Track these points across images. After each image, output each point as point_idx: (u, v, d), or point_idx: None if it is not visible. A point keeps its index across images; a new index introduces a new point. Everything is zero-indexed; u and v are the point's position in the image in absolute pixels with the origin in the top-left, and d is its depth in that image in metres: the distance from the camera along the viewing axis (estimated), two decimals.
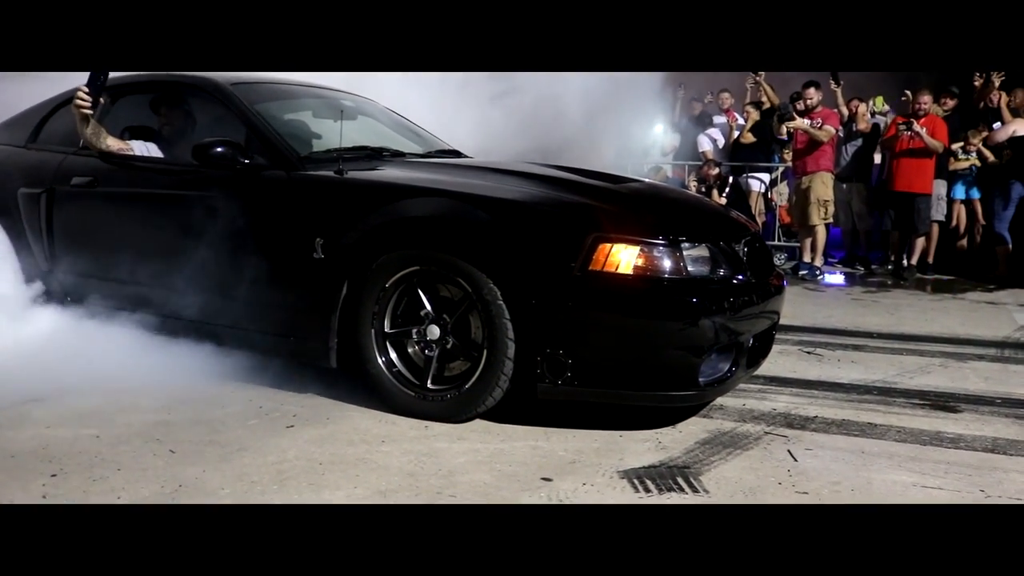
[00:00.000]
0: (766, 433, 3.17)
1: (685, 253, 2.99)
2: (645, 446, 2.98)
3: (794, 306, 5.67)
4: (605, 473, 2.72)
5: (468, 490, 2.56)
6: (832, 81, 8.44)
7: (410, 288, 3.19)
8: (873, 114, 8.83)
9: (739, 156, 9.40)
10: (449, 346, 3.15)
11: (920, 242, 8.05)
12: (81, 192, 3.99)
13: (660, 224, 3.07)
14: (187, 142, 3.81)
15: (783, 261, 8.70)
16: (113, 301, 3.87)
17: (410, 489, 2.56)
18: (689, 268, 2.97)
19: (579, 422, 3.16)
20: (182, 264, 3.62)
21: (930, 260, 8.20)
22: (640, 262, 2.90)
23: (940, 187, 8.11)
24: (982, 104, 8.33)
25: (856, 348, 4.76)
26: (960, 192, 8.36)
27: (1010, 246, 7.78)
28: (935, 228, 8.19)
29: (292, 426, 3.10)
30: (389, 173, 3.54)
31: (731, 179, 9.24)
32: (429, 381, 3.17)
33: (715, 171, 9.12)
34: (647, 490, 2.59)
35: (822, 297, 6.91)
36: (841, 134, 8.40)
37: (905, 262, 8.12)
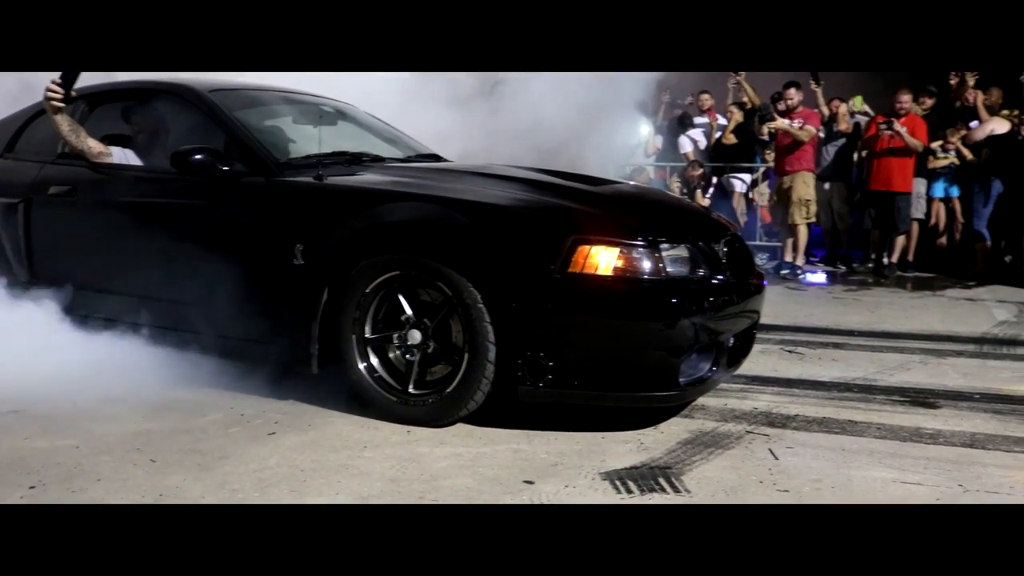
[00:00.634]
0: (747, 432, 3.18)
1: (664, 254, 3.00)
2: (627, 447, 2.99)
3: (775, 305, 5.70)
4: (587, 475, 2.72)
5: (450, 494, 2.56)
6: (812, 80, 8.50)
7: (391, 293, 3.19)
8: (853, 114, 8.88)
9: (721, 157, 9.44)
10: (430, 350, 3.15)
11: (900, 240, 8.11)
12: (60, 202, 3.96)
13: (639, 225, 3.08)
14: (162, 149, 3.80)
15: (765, 261, 8.74)
16: (93, 311, 3.84)
17: (392, 494, 2.56)
18: (668, 269, 2.99)
19: (561, 424, 3.17)
20: (162, 272, 3.61)
21: (910, 258, 8.26)
22: (619, 263, 2.91)
23: (919, 185, 8.17)
24: (959, 103, 8.40)
25: (837, 346, 4.79)
26: (939, 190, 8.42)
27: (989, 243, 7.86)
28: (915, 226, 8.25)
29: (274, 433, 3.09)
30: (369, 178, 3.54)
31: (714, 180, 9.28)
32: (411, 386, 3.17)
33: (698, 172, 9.15)
34: (629, 491, 2.60)
35: (803, 296, 6.95)
36: (822, 134, 8.46)
37: (885, 260, 8.18)
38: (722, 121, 9.61)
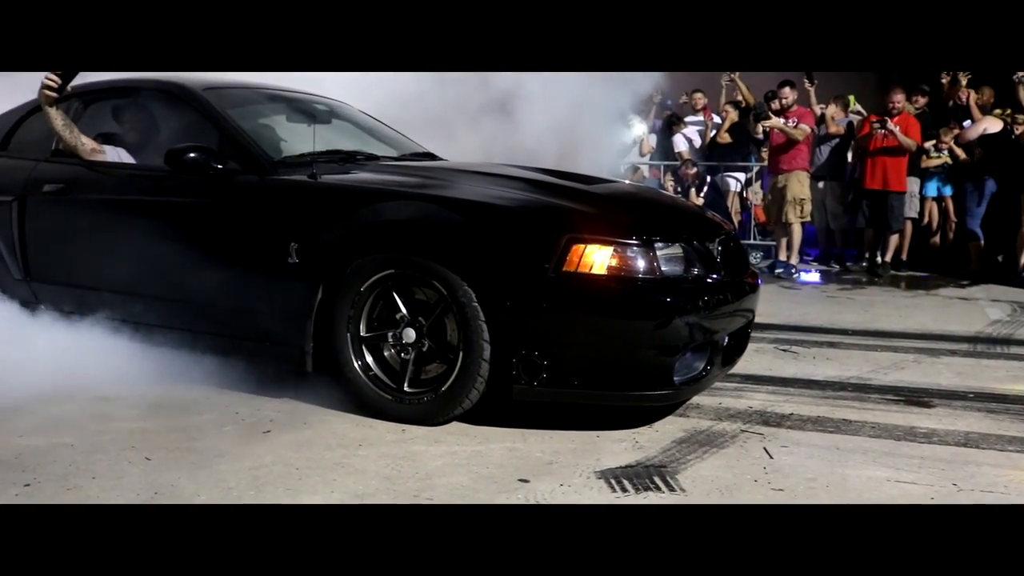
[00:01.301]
0: (742, 431, 3.19)
1: (658, 253, 3.00)
2: (622, 446, 2.99)
3: (770, 304, 5.72)
4: (582, 474, 2.73)
5: (445, 493, 2.56)
6: (806, 80, 8.51)
7: (385, 292, 3.19)
8: (847, 111, 8.88)
9: (716, 156, 9.46)
10: (425, 349, 3.15)
11: (894, 239, 8.13)
12: (54, 199, 3.95)
13: (633, 224, 3.08)
14: (156, 147, 3.79)
15: (759, 260, 8.76)
16: (87, 308, 3.83)
17: (387, 493, 2.56)
18: (663, 268, 2.99)
19: (556, 423, 3.17)
20: (156, 270, 3.61)
21: (904, 257, 8.27)
22: (614, 262, 2.92)
23: (912, 184, 8.20)
24: (951, 102, 8.43)
25: (831, 345, 4.80)
26: (932, 190, 8.45)
27: (982, 242, 7.88)
28: (908, 225, 8.27)
29: (269, 431, 3.09)
30: (363, 177, 3.54)
31: (708, 179, 9.29)
32: (406, 384, 3.17)
33: (692, 171, 9.16)
34: (624, 490, 2.60)
35: (798, 295, 6.96)
36: (818, 132, 8.47)
37: (879, 259, 8.20)
38: (716, 120, 9.62)
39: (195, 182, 3.53)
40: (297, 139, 3.95)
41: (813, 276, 7.85)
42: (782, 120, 8.08)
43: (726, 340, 3.29)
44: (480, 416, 3.16)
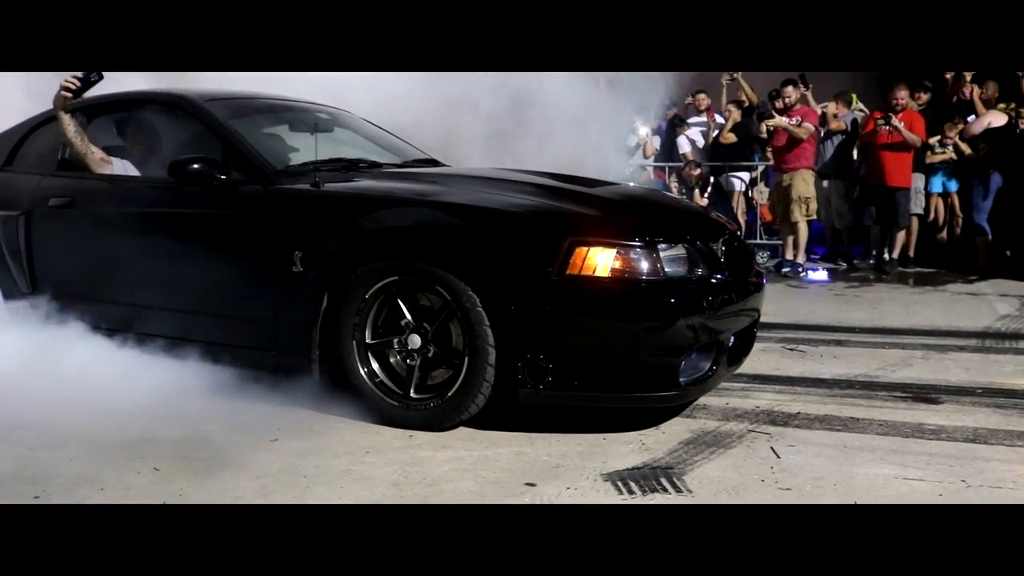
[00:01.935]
0: (749, 431, 3.18)
1: (662, 254, 3.00)
2: (629, 448, 2.99)
3: (777, 303, 5.71)
4: (589, 476, 2.72)
5: (452, 498, 2.56)
6: (801, 84, 8.49)
7: (390, 298, 3.19)
8: (850, 107, 8.86)
9: (719, 156, 9.44)
10: (430, 355, 3.15)
11: (900, 236, 8.10)
12: (59, 213, 3.98)
13: (636, 226, 3.08)
14: (160, 159, 3.81)
15: (766, 259, 8.74)
16: (94, 321, 3.85)
17: (395, 499, 2.56)
18: (666, 269, 2.99)
19: (563, 426, 3.17)
20: (162, 282, 3.62)
21: (911, 253, 8.23)
22: (617, 264, 2.92)
23: (918, 180, 8.16)
24: (955, 98, 8.40)
25: (838, 343, 4.79)
26: (937, 185, 8.42)
27: (990, 237, 7.85)
28: (914, 221, 8.24)
29: (276, 439, 3.10)
30: (366, 184, 3.55)
31: (712, 179, 9.28)
32: (412, 390, 3.17)
33: (696, 172, 9.15)
34: (631, 492, 2.60)
35: (805, 293, 6.94)
36: (822, 132, 8.46)
37: (886, 256, 8.17)
38: (720, 120, 9.60)
39: (199, 193, 3.54)
40: (300, 148, 3.96)
41: (820, 274, 7.82)
42: (786, 119, 8.07)
43: (732, 340, 3.29)
44: (487, 421, 3.17)
